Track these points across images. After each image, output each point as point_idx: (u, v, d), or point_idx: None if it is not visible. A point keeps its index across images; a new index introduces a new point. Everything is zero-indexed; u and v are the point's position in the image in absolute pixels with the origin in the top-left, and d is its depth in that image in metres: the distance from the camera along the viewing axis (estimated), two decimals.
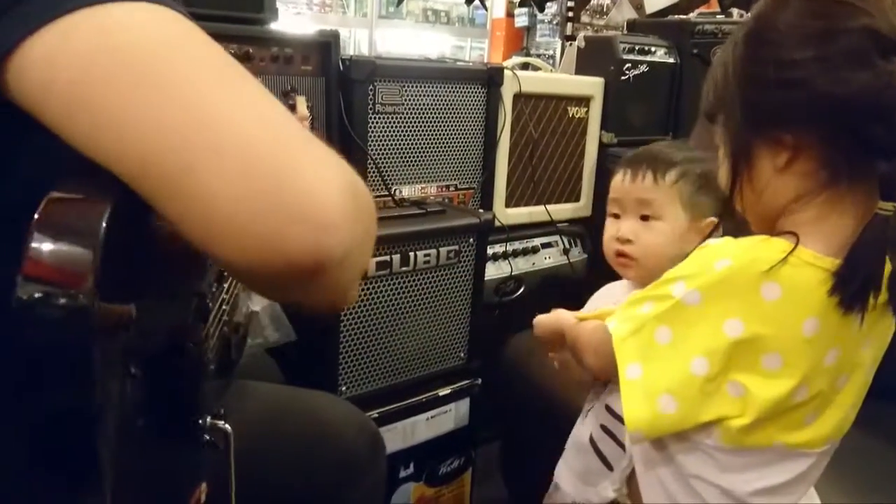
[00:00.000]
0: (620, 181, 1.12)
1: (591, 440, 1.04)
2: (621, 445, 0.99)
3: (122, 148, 0.43)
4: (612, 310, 0.85)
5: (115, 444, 0.43)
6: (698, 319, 0.73)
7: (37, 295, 0.39)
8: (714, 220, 1.05)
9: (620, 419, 0.85)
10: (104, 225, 0.41)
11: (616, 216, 1.13)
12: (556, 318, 0.96)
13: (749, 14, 0.81)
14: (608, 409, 1.03)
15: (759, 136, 0.76)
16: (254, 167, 0.42)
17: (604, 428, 1.03)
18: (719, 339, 0.72)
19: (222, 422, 0.60)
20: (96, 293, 0.40)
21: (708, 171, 1.05)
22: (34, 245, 0.40)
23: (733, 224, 0.86)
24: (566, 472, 1.08)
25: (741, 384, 0.74)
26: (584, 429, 1.07)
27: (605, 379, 0.99)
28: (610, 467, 1.00)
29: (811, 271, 0.72)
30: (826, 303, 0.71)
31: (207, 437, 0.60)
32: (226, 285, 0.71)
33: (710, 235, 1.04)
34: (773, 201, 0.77)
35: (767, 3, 0.77)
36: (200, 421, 0.59)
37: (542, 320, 0.99)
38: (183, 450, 0.61)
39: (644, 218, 1.09)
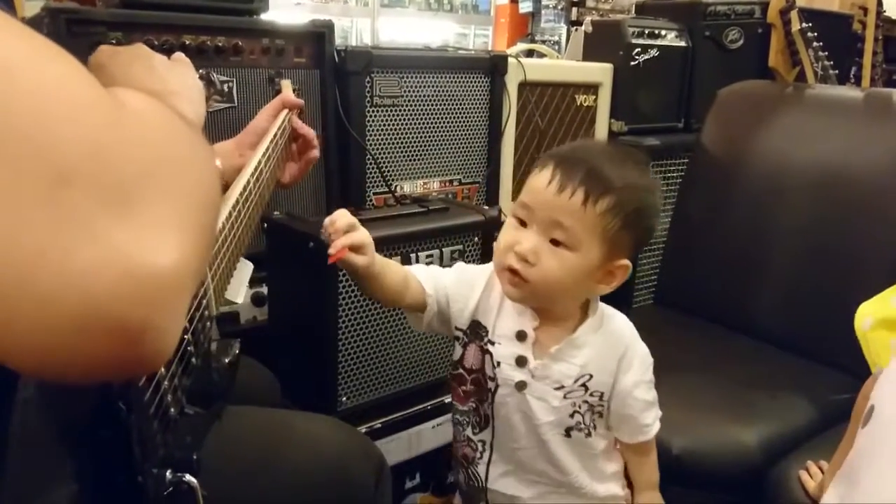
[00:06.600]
0: (544, 186, 0.88)
1: None
2: None
3: None
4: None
5: None
6: None
7: None
8: (628, 263, 0.92)
9: None
10: None
11: (522, 224, 0.91)
12: None
13: None
14: None
15: None
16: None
17: None
18: None
19: (188, 475, 0.52)
20: None
21: (643, 206, 0.91)
22: None
23: None
24: None
25: None
26: None
27: None
28: None
29: None
30: None
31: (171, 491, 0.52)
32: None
33: (620, 279, 0.93)
34: None
35: None
36: (160, 476, 0.51)
37: None
38: None
39: (554, 242, 0.88)
